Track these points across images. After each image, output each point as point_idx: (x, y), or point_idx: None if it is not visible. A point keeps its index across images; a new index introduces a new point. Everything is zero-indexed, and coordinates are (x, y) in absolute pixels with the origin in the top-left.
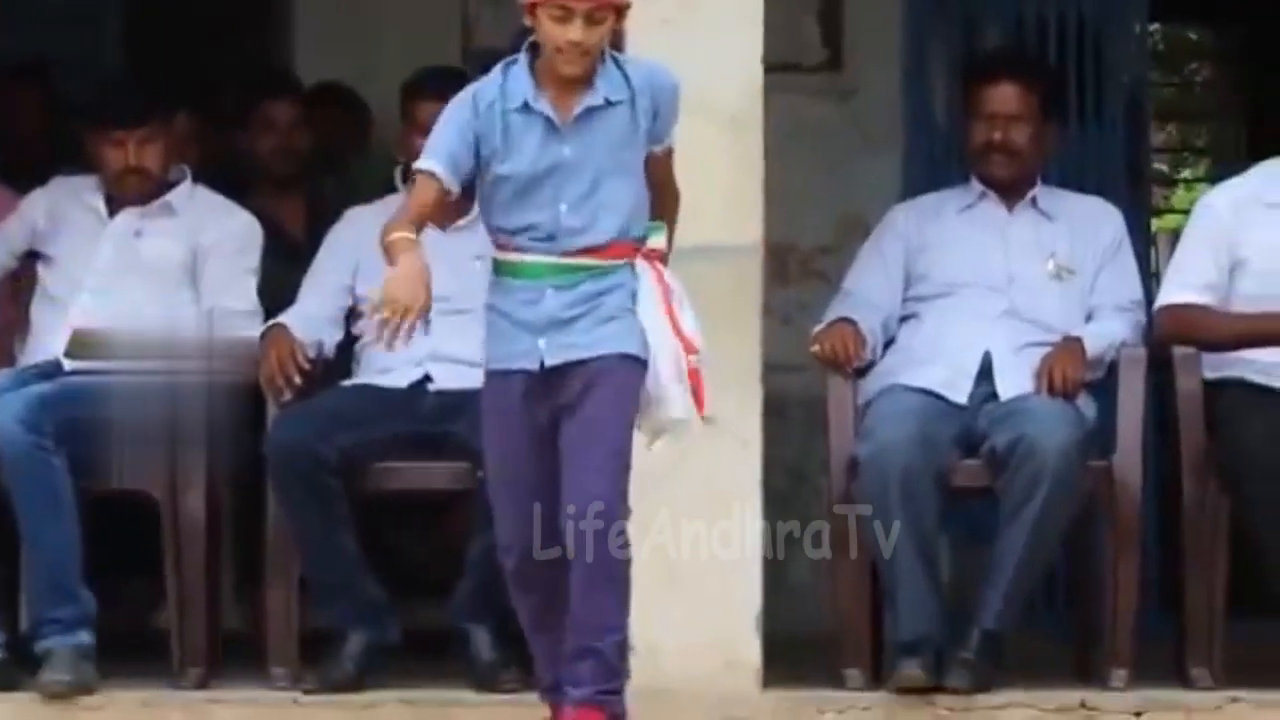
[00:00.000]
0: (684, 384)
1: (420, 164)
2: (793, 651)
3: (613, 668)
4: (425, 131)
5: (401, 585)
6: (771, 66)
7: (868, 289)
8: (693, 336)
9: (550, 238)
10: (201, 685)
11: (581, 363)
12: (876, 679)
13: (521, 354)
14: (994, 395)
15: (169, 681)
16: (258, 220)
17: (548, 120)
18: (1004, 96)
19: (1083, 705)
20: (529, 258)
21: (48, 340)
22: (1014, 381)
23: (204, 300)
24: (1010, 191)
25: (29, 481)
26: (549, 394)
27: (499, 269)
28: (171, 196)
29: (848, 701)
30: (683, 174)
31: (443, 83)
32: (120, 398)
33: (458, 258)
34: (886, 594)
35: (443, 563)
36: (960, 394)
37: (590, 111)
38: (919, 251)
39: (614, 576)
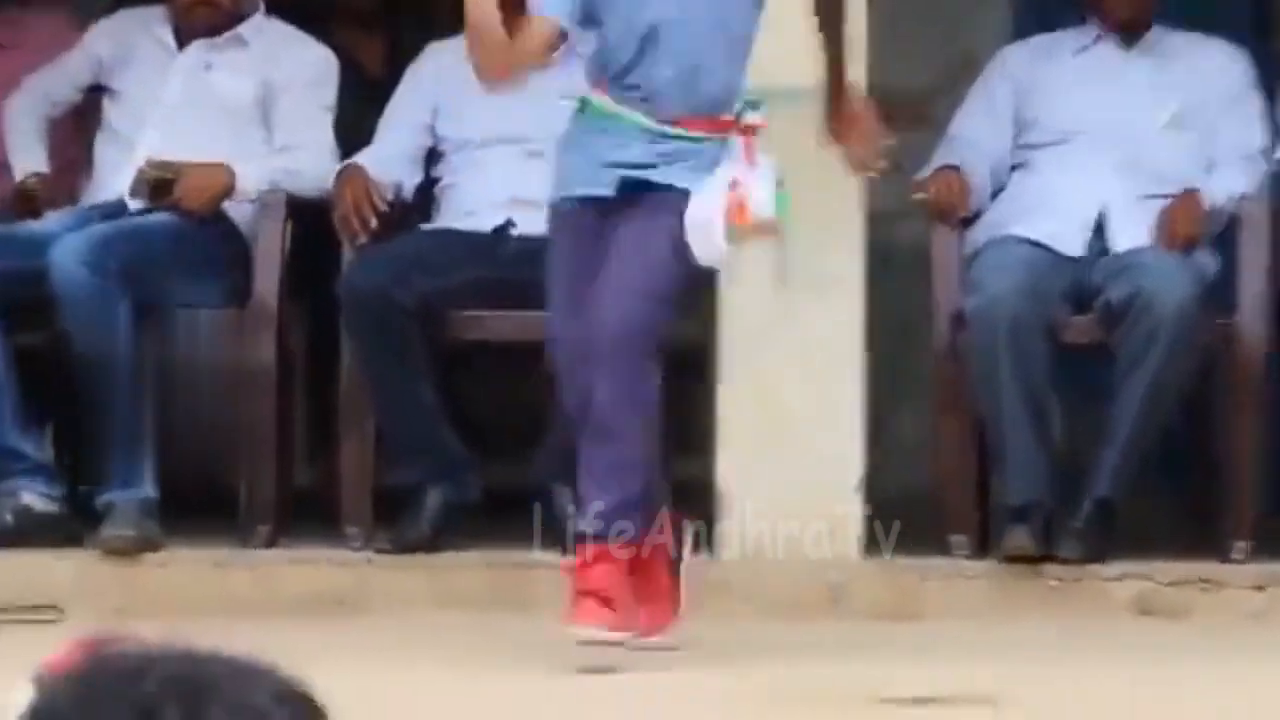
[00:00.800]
0: (708, 234)
1: (541, 10)
2: (895, 515)
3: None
4: None
5: (482, 440)
6: None
7: (975, 134)
8: (756, 208)
9: (648, 99)
10: (271, 544)
11: (649, 189)
12: (983, 547)
13: (599, 183)
14: (1108, 249)
15: (237, 539)
16: (333, 55)
17: None
18: None
19: (1200, 579)
20: (625, 111)
21: (112, 179)
22: (1129, 235)
23: (277, 138)
24: (1128, 33)
25: (92, 326)
26: (615, 219)
27: (588, 109)
28: (242, 28)
29: (952, 570)
30: (778, 13)
31: None
32: (188, 238)
33: (542, 96)
34: (994, 455)
35: (526, 417)
36: (1073, 247)
37: None
38: (1030, 95)
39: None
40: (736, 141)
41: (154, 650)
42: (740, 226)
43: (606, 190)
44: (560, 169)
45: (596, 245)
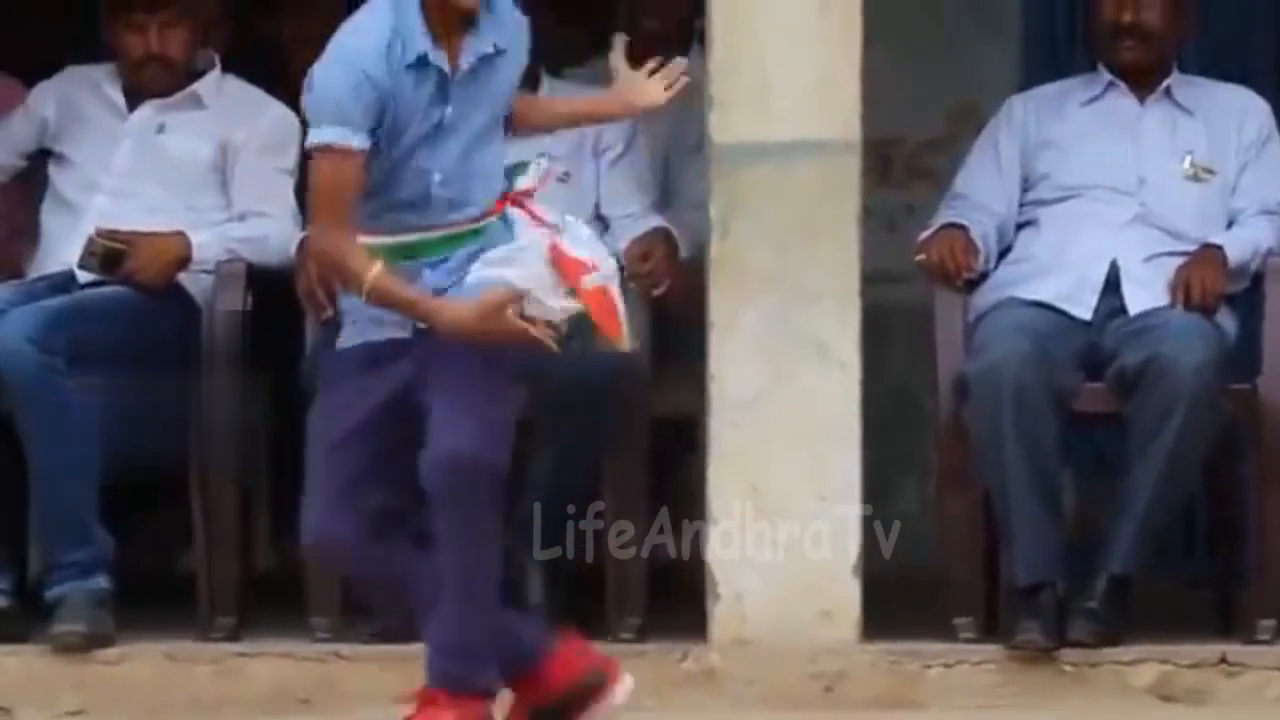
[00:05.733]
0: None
1: (324, 138)
2: (896, 596)
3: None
4: None
5: None
6: None
7: (981, 191)
8: (590, 259)
9: (421, 212)
10: (233, 637)
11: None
12: (990, 628)
13: (392, 324)
14: (1122, 310)
15: (196, 632)
16: (294, 114)
17: (440, 76)
18: None
19: (1224, 660)
20: (400, 239)
21: (60, 249)
22: (1145, 295)
23: (234, 204)
24: (1142, 81)
25: (39, 407)
26: (413, 358)
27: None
28: (198, 87)
29: (957, 655)
30: (769, 59)
31: None
32: (141, 313)
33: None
34: (1002, 531)
35: None
36: (1084, 309)
37: (481, 61)
38: (1039, 149)
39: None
40: (516, 215)
41: None
42: (584, 289)
43: (401, 333)
44: (346, 323)
45: (386, 392)
